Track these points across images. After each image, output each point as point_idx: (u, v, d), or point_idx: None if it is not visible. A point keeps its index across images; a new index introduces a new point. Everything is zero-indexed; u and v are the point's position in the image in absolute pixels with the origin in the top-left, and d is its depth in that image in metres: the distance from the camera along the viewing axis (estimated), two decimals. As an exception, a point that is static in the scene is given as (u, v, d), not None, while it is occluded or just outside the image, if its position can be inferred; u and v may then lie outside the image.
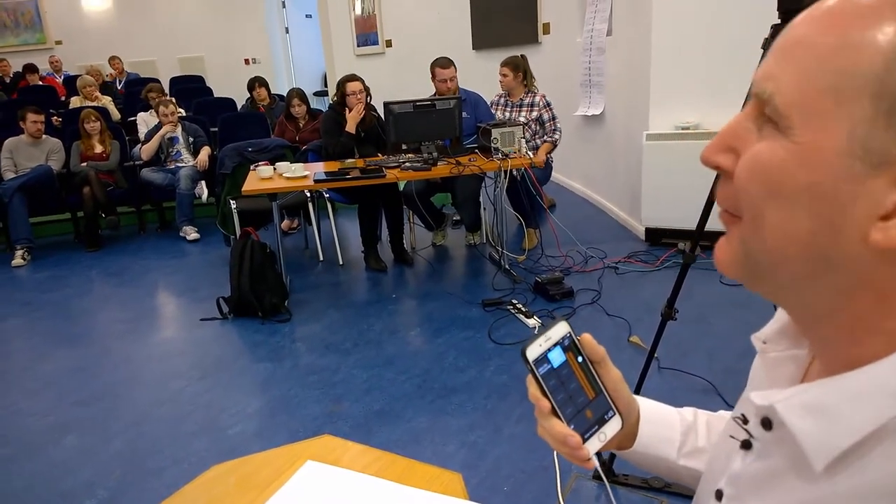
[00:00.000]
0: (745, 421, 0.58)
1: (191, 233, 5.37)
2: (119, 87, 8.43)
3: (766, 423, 0.52)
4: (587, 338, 0.67)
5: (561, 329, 0.66)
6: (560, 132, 4.63)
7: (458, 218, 4.83)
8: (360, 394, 2.77)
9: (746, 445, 0.57)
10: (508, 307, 3.50)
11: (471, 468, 2.24)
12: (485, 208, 4.61)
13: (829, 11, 0.43)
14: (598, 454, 0.66)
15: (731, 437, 0.64)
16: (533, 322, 3.29)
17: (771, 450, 0.53)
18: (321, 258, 4.62)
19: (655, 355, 2.11)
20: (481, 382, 2.79)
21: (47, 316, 3.97)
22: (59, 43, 9.78)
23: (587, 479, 2.13)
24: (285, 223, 5.28)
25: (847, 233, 0.42)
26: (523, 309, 3.43)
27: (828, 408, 0.45)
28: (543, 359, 0.63)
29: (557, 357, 0.64)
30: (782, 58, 0.45)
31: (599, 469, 0.67)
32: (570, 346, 0.66)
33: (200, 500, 0.93)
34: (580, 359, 0.66)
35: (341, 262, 4.51)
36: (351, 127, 4.27)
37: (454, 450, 2.34)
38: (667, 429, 0.75)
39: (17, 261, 4.97)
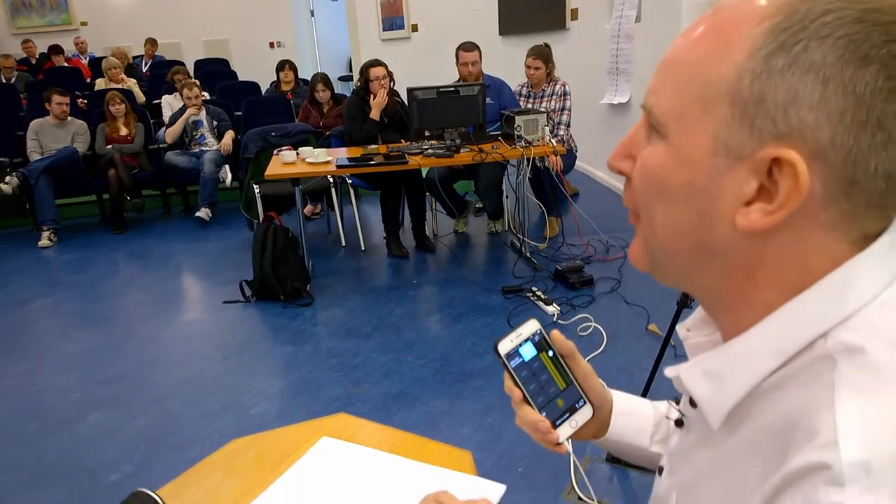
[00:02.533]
0: (678, 402, 0.66)
1: (202, 213, 5.35)
2: (144, 70, 8.50)
3: (693, 402, 0.58)
4: (556, 334, 0.74)
5: (531, 326, 0.73)
6: (566, 126, 4.56)
7: (481, 205, 4.82)
8: (379, 377, 2.80)
9: (679, 424, 0.65)
10: (528, 295, 3.49)
11: (486, 449, 2.26)
12: (507, 196, 4.60)
13: (696, 32, 0.50)
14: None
15: (667, 417, 0.77)
16: (552, 309, 3.28)
17: (694, 425, 0.61)
18: (343, 243, 4.65)
19: (671, 343, 2.10)
20: (498, 368, 2.76)
21: (74, 297, 4.05)
22: (84, 24, 9.83)
23: (601, 460, 2.13)
24: (308, 208, 5.32)
25: (720, 221, 0.49)
26: (543, 297, 3.43)
27: (718, 372, 0.52)
28: (515, 353, 0.70)
29: (528, 351, 0.71)
30: (663, 73, 0.52)
31: (572, 454, 0.73)
32: (540, 341, 0.73)
33: (219, 471, 0.95)
34: (551, 353, 0.73)
35: (363, 248, 4.54)
36: (375, 114, 4.27)
37: (470, 432, 2.36)
38: (639, 419, 0.81)
39: (44, 242, 5.07)
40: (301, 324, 3.41)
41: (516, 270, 3.88)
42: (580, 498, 2.01)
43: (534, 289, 3.53)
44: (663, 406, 0.83)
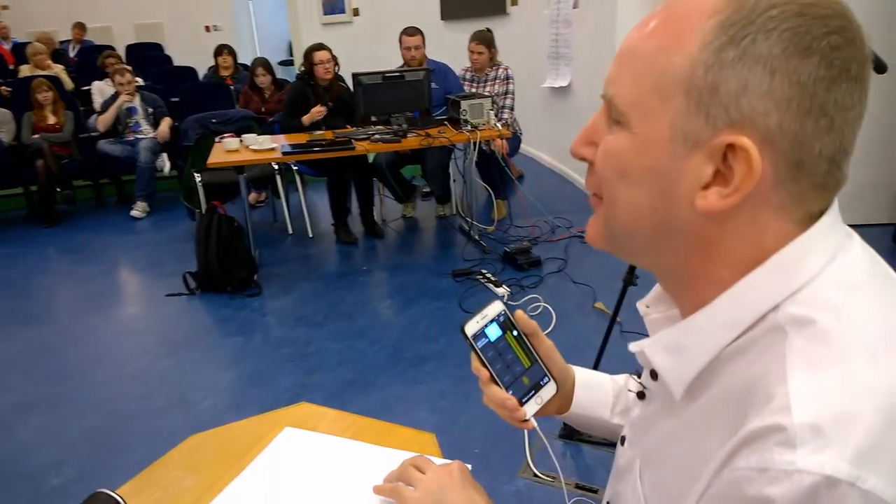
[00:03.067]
0: (640, 375, 0.68)
1: (138, 210, 5.17)
2: (72, 55, 8.10)
3: (654, 375, 0.62)
4: (520, 314, 0.76)
5: (496, 307, 0.75)
6: (510, 110, 4.61)
7: (428, 190, 4.82)
8: (332, 365, 2.78)
9: (641, 396, 0.68)
10: (478, 277, 3.52)
11: (443, 432, 2.27)
12: (454, 180, 4.61)
13: (650, 25, 0.52)
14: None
15: (629, 390, 0.81)
16: (502, 291, 3.32)
17: (655, 396, 0.64)
18: (290, 231, 4.57)
19: (618, 319, 2.15)
20: (452, 351, 2.82)
21: (5, 295, 3.86)
22: (5, 8, 9.27)
23: (554, 437, 2.18)
24: (252, 196, 5.20)
25: (680, 203, 0.51)
26: (493, 278, 3.46)
27: (679, 345, 0.55)
28: (481, 334, 0.73)
29: (494, 332, 0.74)
30: (620, 64, 0.54)
31: (538, 430, 0.75)
32: (505, 322, 0.75)
33: (179, 468, 0.93)
34: (515, 333, 0.75)
35: (311, 235, 4.47)
36: (307, 121, 4.25)
37: (426, 415, 2.38)
38: (600, 392, 0.85)
39: (-30, 237, 4.81)
40: (249, 314, 3.34)
41: (465, 253, 3.91)
42: (535, 475, 2.05)
43: (483, 271, 3.56)
44: (621, 379, 0.86)
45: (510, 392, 0.72)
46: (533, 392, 0.74)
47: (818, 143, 0.47)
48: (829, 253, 0.51)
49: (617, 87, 0.53)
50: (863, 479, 0.40)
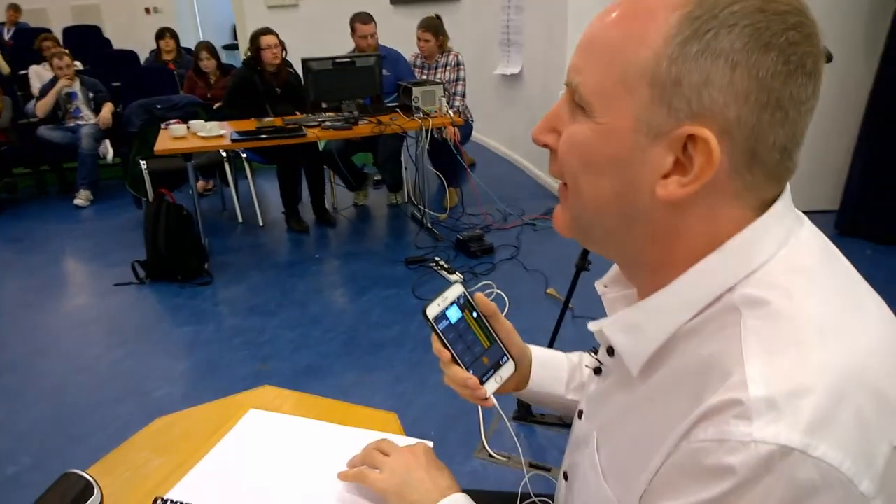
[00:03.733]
0: (596, 352, 0.72)
1: (81, 198, 5.03)
2: (7, 38, 7.75)
3: (610, 351, 0.64)
4: (480, 296, 0.79)
5: (456, 290, 0.78)
6: (461, 97, 4.64)
7: (380, 177, 4.83)
8: (287, 353, 2.79)
9: (597, 371, 0.71)
10: (431, 264, 3.57)
11: (399, 416, 2.32)
12: (406, 168, 4.63)
13: (613, 15, 0.53)
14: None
15: (587, 366, 0.85)
16: (455, 278, 3.38)
17: (612, 371, 0.67)
18: (240, 220, 4.52)
19: (570, 305, 2.23)
20: (406, 337, 2.87)
21: (-58, 285, 3.72)
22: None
23: (508, 419, 2.26)
24: (200, 184, 5.10)
25: (642, 191, 0.53)
26: (446, 266, 3.52)
27: (637, 324, 0.58)
28: (442, 316, 0.75)
29: (454, 314, 0.76)
30: (584, 53, 0.55)
31: (498, 408, 0.78)
32: (465, 304, 0.78)
33: (146, 450, 0.95)
34: (475, 314, 0.79)
35: (261, 224, 4.43)
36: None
37: (382, 400, 2.42)
38: (556, 370, 0.89)
39: None
40: (201, 303, 3.31)
41: (418, 241, 3.95)
42: (490, 455, 2.12)
43: (436, 259, 3.61)
44: (576, 357, 0.91)
45: (471, 372, 0.75)
46: (493, 371, 0.78)
47: (773, 135, 0.50)
48: (782, 237, 0.54)
49: (583, 76, 0.55)
50: (813, 447, 0.44)
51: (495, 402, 0.77)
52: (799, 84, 0.49)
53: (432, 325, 0.75)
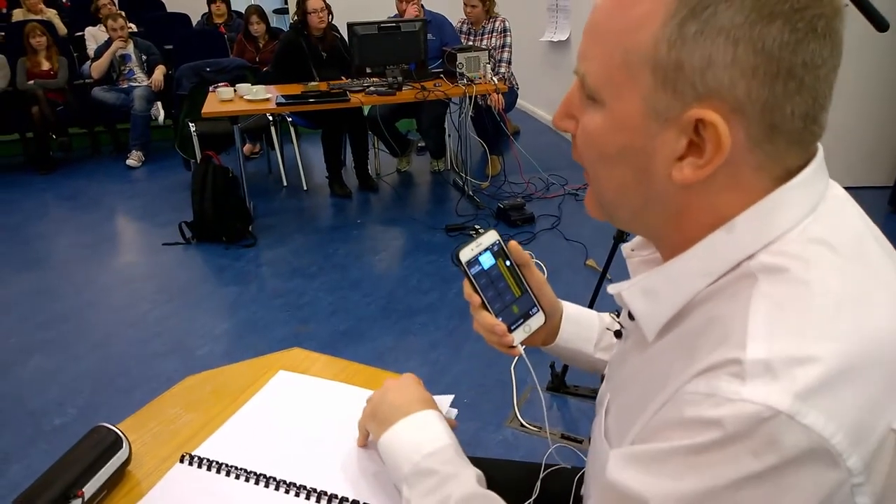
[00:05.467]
0: (619, 315, 0.72)
1: (133, 159, 5.16)
2: (64, 0, 7.91)
3: (631, 315, 0.63)
4: (514, 244, 0.79)
5: (490, 237, 0.77)
6: (507, 63, 4.56)
7: (423, 144, 4.81)
8: (325, 315, 2.83)
9: (618, 335, 0.72)
10: (471, 233, 3.56)
11: (433, 383, 2.33)
12: (449, 135, 4.60)
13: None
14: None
15: (608, 329, 0.87)
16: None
17: (630, 334, 0.67)
18: (285, 183, 4.58)
19: (608, 276, 2.20)
20: (444, 304, 2.88)
21: (3, 240, 3.88)
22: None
23: (542, 390, 2.25)
24: (247, 147, 5.18)
25: (658, 176, 0.53)
26: (486, 234, 3.50)
27: (656, 290, 0.57)
28: (475, 261, 0.75)
29: (487, 260, 0.76)
30: (589, 39, 0.55)
31: (525, 356, 0.79)
32: (498, 251, 0.77)
33: (177, 406, 0.98)
34: (508, 263, 0.78)
35: (305, 188, 4.49)
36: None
37: (416, 366, 2.44)
38: (586, 328, 0.88)
39: (-35, 183, 4.79)
40: (245, 265, 3.39)
41: (459, 209, 3.93)
42: (522, 425, 2.13)
43: (476, 226, 3.60)
44: (608, 317, 0.90)
45: (500, 319, 0.75)
46: (522, 321, 0.77)
47: (789, 105, 0.48)
48: (807, 206, 0.52)
49: (588, 64, 0.54)
50: (802, 414, 0.42)
51: (522, 350, 0.77)
52: (812, 50, 0.47)
53: (464, 269, 0.74)
